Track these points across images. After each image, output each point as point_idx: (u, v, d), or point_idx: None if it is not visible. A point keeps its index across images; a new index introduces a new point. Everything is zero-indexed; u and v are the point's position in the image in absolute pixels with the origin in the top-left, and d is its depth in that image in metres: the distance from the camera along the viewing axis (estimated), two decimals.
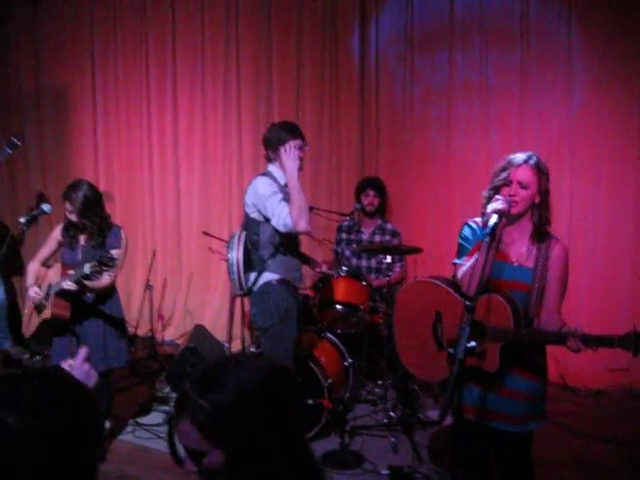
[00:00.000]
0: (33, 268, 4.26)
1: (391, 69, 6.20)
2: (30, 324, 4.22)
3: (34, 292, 4.10)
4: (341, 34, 6.27)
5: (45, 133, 7.25)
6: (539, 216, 2.77)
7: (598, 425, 4.68)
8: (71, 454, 1.21)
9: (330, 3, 6.20)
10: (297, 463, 1.47)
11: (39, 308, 4.11)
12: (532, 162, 2.73)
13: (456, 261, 2.87)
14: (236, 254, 3.89)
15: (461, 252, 2.87)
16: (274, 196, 3.84)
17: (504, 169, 2.76)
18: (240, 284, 3.93)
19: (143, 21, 6.84)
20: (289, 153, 3.88)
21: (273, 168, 4.03)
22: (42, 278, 4.20)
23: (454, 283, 2.84)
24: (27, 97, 7.27)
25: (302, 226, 3.76)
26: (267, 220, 3.90)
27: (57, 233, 4.24)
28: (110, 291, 4.29)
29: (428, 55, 6.03)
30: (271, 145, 4.00)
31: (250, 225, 4.00)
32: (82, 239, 4.15)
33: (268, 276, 3.97)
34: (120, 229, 4.26)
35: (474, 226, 2.87)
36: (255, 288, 3.97)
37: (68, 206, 4.03)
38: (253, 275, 3.97)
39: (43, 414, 1.19)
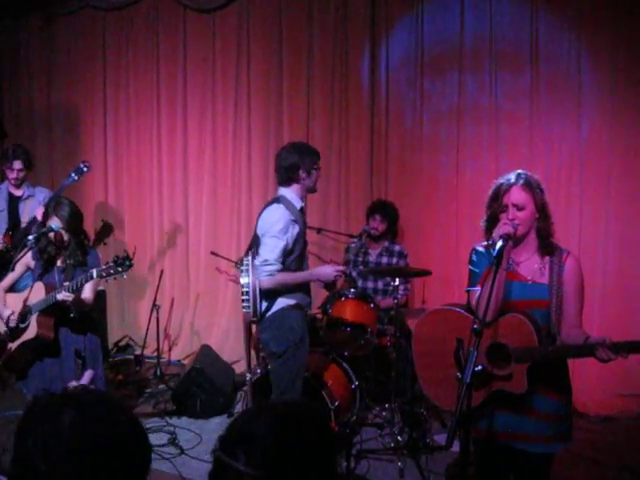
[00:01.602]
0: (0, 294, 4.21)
1: (401, 91, 6.21)
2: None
3: (12, 316, 4.04)
4: (351, 56, 6.30)
5: (56, 151, 7.30)
6: (540, 229, 2.75)
7: (608, 452, 4.61)
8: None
9: (340, 25, 6.24)
10: None
11: (14, 333, 4.04)
12: (522, 182, 2.71)
13: (469, 289, 2.85)
14: (251, 280, 3.77)
15: (472, 279, 2.85)
16: (273, 239, 3.78)
17: (496, 196, 2.75)
18: (255, 310, 3.81)
19: (154, 40, 6.90)
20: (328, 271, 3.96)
21: (288, 192, 3.92)
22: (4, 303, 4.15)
23: (470, 309, 2.81)
24: (38, 116, 7.34)
25: (262, 287, 3.76)
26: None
27: (27, 257, 4.17)
28: (91, 312, 4.25)
29: (438, 78, 6.04)
30: (294, 170, 3.91)
31: None
32: (58, 261, 4.12)
33: (283, 301, 3.88)
34: (96, 250, 4.27)
35: (482, 250, 2.86)
36: (268, 314, 3.88)
37: (56, 221, 3.98)
38: (266, 300, 3.88)
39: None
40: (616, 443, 4.82)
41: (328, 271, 4.00)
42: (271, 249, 3.77)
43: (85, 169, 5.26)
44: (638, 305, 5.38)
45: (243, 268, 3.84)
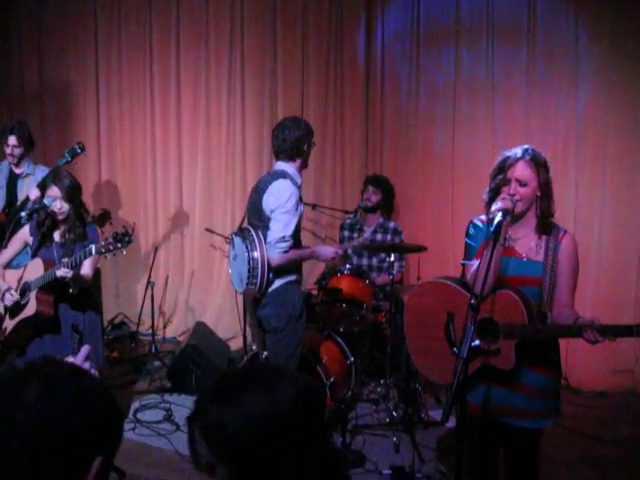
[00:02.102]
0: None
1: (397, 66, 6.17)
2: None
3: (10, 293, 3.98)
4: (347, 30, 6.25)
5: (48, 129, 7.20)
6: (541, 208, 2.73)
7: (602, 426, 4.64)
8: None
9: None
10: None
11: (12, 310, 4.00)
12: (528, 157, 2.68)
13: (464, 262, 2.84)
14: (260, 253, 3.71)
15: (468, 252, 2.84)
16: (286, 215, 3.74)
17: (501, 169, 2.72)
18: (261, 284, 3.77)
19: (147, 15, 6.78)
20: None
21: (289, 167, 3.87)
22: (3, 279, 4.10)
23: (465, 283, 2.80)
24: (30, 93, 7.23)
25: (273, 263, 3.73)
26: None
27: (24, 233, 4.11)
28: (90, 288, 4.19)
29: (434, 52, 6.00)
30: (300, 144, 3.87)
31: (267, 225, 3.84)
32: (56, 236, 4.05)
33: (285, 277, 3.85)
34: (95, 225, 4.22)
35: (480, 224, 2.83)
36: (271, 289, 3.84)
37: (56, 191, 3.89)
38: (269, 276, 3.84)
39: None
40: (609, 418, 4.86)
41: (328, 251, 4.04)
42: (285, 225, 3.72)
43: (79, 150, 5.19)
44: (631, 282, 5.37)
45: (250, 242, 3.77)
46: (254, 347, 4.55)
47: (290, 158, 3.87)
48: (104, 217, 5.42)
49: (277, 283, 3.85)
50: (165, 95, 6.82)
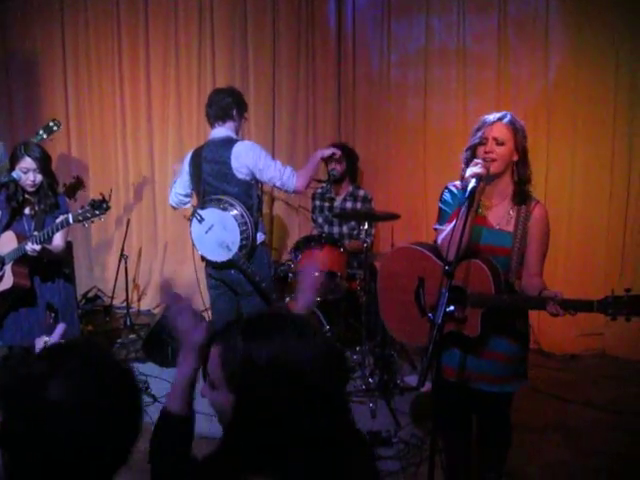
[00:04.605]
0: None
1: (367, 35, 6.14)
2: None
3: None
4: (317, 0, 6.20)
5: (14, 100, 7.05)
6: (519, 174, 2.75)
7: (574, 389, 4.74)
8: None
9: None
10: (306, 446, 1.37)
11: None
12: (506, 120, 2.70)
13: (436, 226, 2.85)
14: (241, 210, 3.92)
15: (442, 217, 2.84)
16: (268, 158, 4.02)
17: (479, 129, 2.73)
18: (253, 240, 3.99)
19: None
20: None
21: (228, 131, 4.10)
22: None
23: (436, 249, 2.82)
24: None
25: (301, 188, 4.09)
26: (257, 182, 4.09)
27: None
28: (62, 260, 4.16)
29: (405, 20, 5.98)
30: (241, 108, 4.15)
31: (243, 189, 4.00)
32: (26, 209, 3.99)
33: (260, 237, 4.08)
34: (63, 195, 4.18)
35: (454, 190, 2.84)
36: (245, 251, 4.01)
37: (29, 163, 3.83)
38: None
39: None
40: (579, 380, 4.97)
41: (325, 151, 4.23)
42: (275, 163, 4.01)
43: (55, 127, 5.09)
44: (600, 253, 5.48)
45: (224, 204, 3.91)
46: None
47: (223, 120, 4.09)
48: (77, 186, 5.31)
49: (253, 244, 4.02)
50: (134, 67, 6.72)
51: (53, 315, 3.96)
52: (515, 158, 2.72)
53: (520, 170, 2.74)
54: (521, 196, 2.75)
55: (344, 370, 1.49)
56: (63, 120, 6.78)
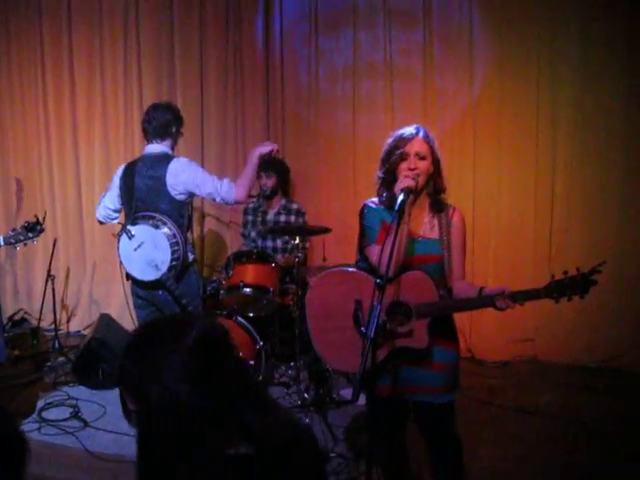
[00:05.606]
0: None
1: (296, 49, 6.17)
2: None
3: None
4: (244, 14, 6.20)
5: None
6: (435, 185, 2.78)
7: (505, 395, 4.82)
8: None
9: None
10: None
11: None
12: (422, 134, 2.73)
13: (369, 245, 2.79)
14: (173, 229, 3.84)
15: (369, 235, 2.80)
16: (203, 173, 3.95)
17: (397, 147, 2.73)
18: (183, 259, 3.90)
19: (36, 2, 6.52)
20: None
21: (165, 147, 4.04)
22: None
23: (369, 268, 2.77)
24: None
25: (241, 198, 3.99)
26: (190, 202, 4.05)
27: None
28: None
29: (333, 35, 6.03)
30: (178, 125, 4.10)
31: (175, 206, 3.92)
32: None
33: (190, 257, 4.03)
34: None
35: (373, 207, 2.83)
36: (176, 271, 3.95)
37: None
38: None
39: None
40: (511, 386, 5.06)
41: (265, 148, 4.02)
42: (211, 178, 3.93)
43: None
44: (528, 253, 5.59)
45: (155, 222, 3.83)
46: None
47: (162, 138, 4.04)
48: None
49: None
50: (58, 84, 6.59)
51: None
52: (431, 170, 2.75)
53: (436, 181, 2.78)
54: (438, 205, 2.79)
55: (221, 342, 1.58)
56: None
